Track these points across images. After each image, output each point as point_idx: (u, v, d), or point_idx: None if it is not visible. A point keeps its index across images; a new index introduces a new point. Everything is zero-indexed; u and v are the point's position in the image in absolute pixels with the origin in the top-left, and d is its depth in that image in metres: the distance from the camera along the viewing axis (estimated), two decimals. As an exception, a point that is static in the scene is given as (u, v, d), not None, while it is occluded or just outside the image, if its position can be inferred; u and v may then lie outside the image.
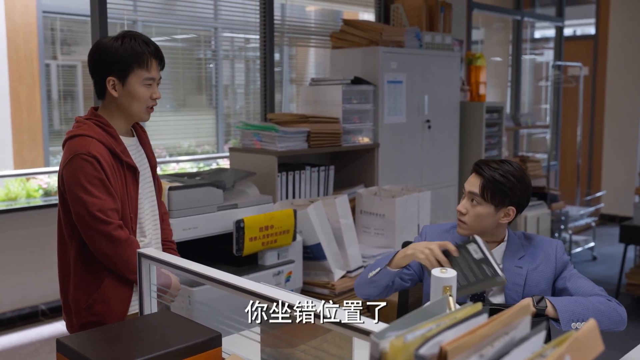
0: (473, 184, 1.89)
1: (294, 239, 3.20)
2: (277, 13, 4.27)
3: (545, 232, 5.43)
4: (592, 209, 6.35)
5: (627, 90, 7.78)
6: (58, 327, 3.91)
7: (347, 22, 4.27)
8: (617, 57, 8.38)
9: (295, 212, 3.17)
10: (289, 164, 3.84)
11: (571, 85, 6.66)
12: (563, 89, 7.18)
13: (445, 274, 1.34)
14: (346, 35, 4.22)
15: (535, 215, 5.30)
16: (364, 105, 4.04)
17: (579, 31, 8.79)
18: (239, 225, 2.94)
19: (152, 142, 2.19)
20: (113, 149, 1.92)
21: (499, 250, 1.94)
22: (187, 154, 6.11)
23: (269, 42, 4.13)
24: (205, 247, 3.06)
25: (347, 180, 4.22)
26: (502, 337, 0.93)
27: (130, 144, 2.04)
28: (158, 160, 2.27)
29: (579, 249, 6.15)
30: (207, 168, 5.54)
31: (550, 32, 7.70)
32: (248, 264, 3.12)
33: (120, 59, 1.92)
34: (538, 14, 7.05)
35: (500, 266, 1.72)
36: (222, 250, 3.06)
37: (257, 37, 4.27)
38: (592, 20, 8.76)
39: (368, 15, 5.19)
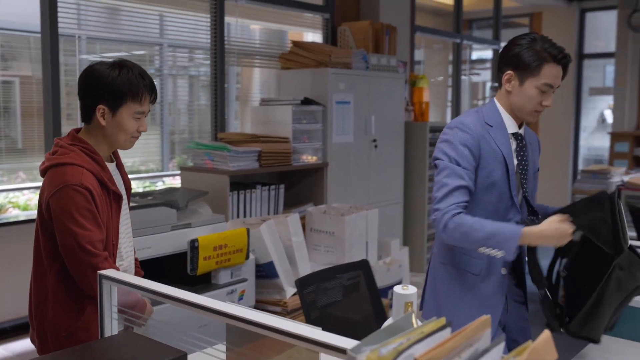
0: (560, 76, 2.07)
1: (247, 257, 3.24)
2: (225, 32, 4.32)
3: (485, 247, 5.62)
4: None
5: (558, 110, 8.18)
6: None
7: (296, 44, 4.36)
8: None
9: (248, 230, 3.21)
10: (240, 183, 3.88)
11: (508, 105, 6.95)
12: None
13: (407, 291, 1.42)
14: (295, 56, 4.31)
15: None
16: (314, 125, 4.13)
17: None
18: (193, 244, 2.96)
19: None
20: (102, 179, 1.92)
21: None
22: (131, 172, 6.04)
23: (220, 61, 4.17)
24: (158, 267, 3.05)
25: (296, 198, 4.29)
26: (467, 348, 1.01)
27: (112, 169, 2.03)
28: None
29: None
30: (153, 187, 5.50)
31: (485, 54, 8.03)
32: (201, 283, 3.13)
33: (115, 89, 1.90)
34: (476, 37, 7.34)
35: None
36: (175, 269, 3.06)
37: (202, 55, 4.31)
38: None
39: (312, 36, 5.31)
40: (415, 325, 1.22)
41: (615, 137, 7.53)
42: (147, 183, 5.98)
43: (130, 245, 2.15)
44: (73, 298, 1.96)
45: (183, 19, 4.17)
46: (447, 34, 6.71)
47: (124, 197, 2.06)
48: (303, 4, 4.82)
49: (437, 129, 5.18)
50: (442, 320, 1.13)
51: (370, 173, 4.62)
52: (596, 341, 1.53)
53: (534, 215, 2.13)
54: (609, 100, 9.43)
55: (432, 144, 5.12)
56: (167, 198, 3.16)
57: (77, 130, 2.00)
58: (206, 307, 1.64)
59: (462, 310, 2.10)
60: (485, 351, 1.03)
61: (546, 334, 1.03)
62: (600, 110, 9.95)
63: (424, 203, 5.07)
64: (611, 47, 8.48)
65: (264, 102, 4.19)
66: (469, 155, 2.04)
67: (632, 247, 1.84)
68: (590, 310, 1.52)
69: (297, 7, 4.79)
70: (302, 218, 3.93)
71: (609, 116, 10.66)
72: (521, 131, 2.17)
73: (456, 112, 6.92)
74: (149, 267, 2.98)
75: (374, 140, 4.60)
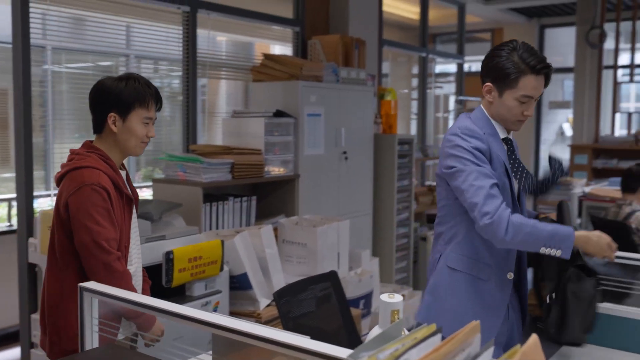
0: (541, 86, 2.09)
1: (222, 269, 3.24)
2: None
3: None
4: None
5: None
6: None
7: (267, 57, 4.40)
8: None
9: (222, 242, 3.21)
10: (212, 194, 3.88)
11: (472, 118, 7.10)
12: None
13: (393, 300, 1.45)
14: (267, 68, 4.34)
15: (444, 241, 5.58)
16: (285, 138, 4.16)
17: (474, 67, 9.39)
18: (169, 256, 2.95)
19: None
20: (116, 181, 2.08)
21: None
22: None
23: (192, 73, 4.18)
24: (133, 279, 3.03)
25: (268, 210, 4.31)
26: (460, 353, 1.06)
27: (123, 177, 2.19)
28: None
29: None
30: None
31: (447, 67, 8.19)
32: (176, 295, 3.12)
33: (124, 97, 2.09)
34: (442, 52, 7.49)
35: None
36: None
37: (172, 67, 4.31)
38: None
39: (279, 48, 5.35)
40: (404, 334, 1.27)
41: (575, 149, 7.75)
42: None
43: (139, 251, 2.28)
44: None
45: (153, 31, 4.16)
46: (414, 48, 6.83)
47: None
48: (274, 18, 4.86)
49: (405, 142, 5.26)
50: (433, 327, 1.17)
51: (341, 185, 4.67)
52: (579, 343, 1.60)
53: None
54: (567, 113, 9.71)
55: (401, 156, 5.21)
56: (141, 210, 3.14)
57: (91, 141, 2.17)
58: (195, 318, 1.65)
59: (464, 315, 2.10)
60: (477, 356, 1.07)
61: (534, 337, 1.08)
62: (560, 124, 10.24)
63: (393, 214, 5.14)
64: (569, 62, 8.76)
65: (236, 114, 4.20)
66: (483, 157, 2.06)
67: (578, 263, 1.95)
68: (560, 320, 1.59)
69: (268, 21, 4.83)
70: (274, 230, 3.95)
71: (568, 129, 10.97)
72: (510, 136, 2.23)
73: (422, 124, 7.04)
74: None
75: (344, 152, 4.65)
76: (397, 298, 1.46)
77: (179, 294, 3.15)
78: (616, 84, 7.86)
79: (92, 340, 1.91)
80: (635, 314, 2.15)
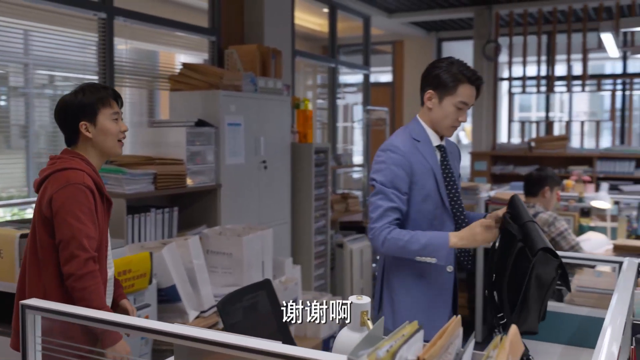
0: (474, 96, 2.33)
1: (150, 282, 3.17)
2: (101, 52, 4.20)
3: (367, 264, 5.86)
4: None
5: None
6: None
7: (186, 66, 4.34)
8: (412, 102, 9.39)
9: (151, 254, 3.14)
10: (133, 206, 3.78)
11: (380, 128, 7.33)
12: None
13: (362, 301, 1.50)
14: (185, 78, 4.29)
15: (359, 247, 5.72)
16: (207, 147, 4.12)
17: (374, 78, 9.69)
18: (97, 271, 2.85)
19: None
20: (98, 184, 2.20)
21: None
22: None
23: (109, 82, 4.05)
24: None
25: (190, 221, 4.24)
26: (451, 344, 1.12)
27: None
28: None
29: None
30: (22, 214, 5.16)
31: (347, 78, 8.39)
32: (103, 311, 3.01)
33: (86, 104, 2.19)
34: (349, 62, 7.67)
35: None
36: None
37: (71, 74, 4.16)
38: (389, 69, 9.74)
39: (185, 57, 5.26)
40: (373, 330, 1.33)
41: (475, 156, 8.17)
42: (16, 210, 5.59)
43: (111, 257, 2.31)
44: (69, 294, 2.10)
45: (65, 37, 4.00)
46: (324, 59, 6.96)
47: None
48: (190, 27, 4.81)
49: (321, 150, 5.35)
50: (415, 324, 1.23)
51: (261, 194, 4.68)
52: (535, 332, 1.73)
53: (463, 217, 2.36)
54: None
55: (317, 165, 5.29)
56: (64, 224, 3.01)
57: (69, 150, 2.25)
58: (156, 330, 1.63)
59: (417, 301, 2.34)
60: (466, 347, 1.14)
61: (514, 328, 1.16)
62: (456, 133, 10.76)
63: (311, 222, 5.21)
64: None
65: (156, 124, 4.12)
66: (403, 174, 2.26)
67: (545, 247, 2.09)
68: (521, 308, 1.71)
69: (185, 29, 4.77)
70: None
71: (463, 137, 11.55)
72: (443, 143, 2.42)
73: (333, 134, 7.18)
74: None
75: (264, 162, 4.67)
76: (365, 299, 1.51)
77: (107, 310, 3.04)
78: (511, 95, 8.37)
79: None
80: (569, 309, 2.36)
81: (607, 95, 8.27)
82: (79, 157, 2.19)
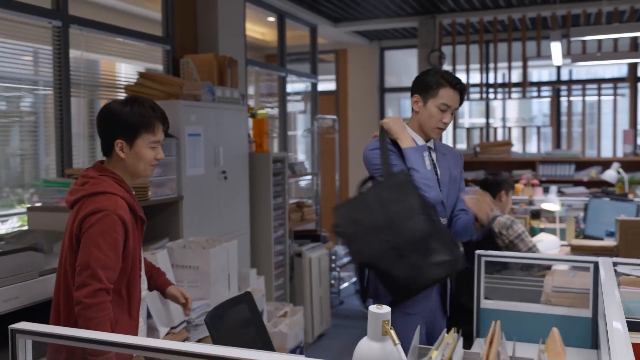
0: (456, 99, 2.52)
1: (121, 299, 3.05)
2: (48, 64, 4.05)
3: (325, 273, 5.86)
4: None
5: (367, 135, 8.79)
6: None
7: (143, 75, 4.24)
8: (356, 110, 9.49)
9: (121, 271, 3.03)
10: (94, 221, 3.64)
11: (331, 136, 7.37)
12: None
13: (382, 310, 1.49)
14: (143, 88, 4.18)
15: (317, 256, 5.71)
16: (168, 158, 4.03)
17: (320, 87, 9.74)
18: (68, 290, 2.73)
19: None
20: (132, 205, 2.12)
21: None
22: None
23: (65, 94, 3.90)
24: (26, 317, 2.75)
25: (151, 234, 4.12)
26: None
27: None
28: None
29: (345, 284, 6.72)
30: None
31: (297, 87, 8.40)
32: (73, 332, 2.88)
33: (129, 123, 2.10)
34: (298, 71, 7.67)
35: None
36: (46, 319, 2.78)
37: (34, 87, 4.00)
38: (333, 77, 9.81)
39: (126, 67, 5.13)
40: (396, 341, 1.34)
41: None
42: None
43: (144, 277, 2.33)
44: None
45: (12, 47, 3.82)
46: (275, 68, 6.94)
47: None
48: (145, 35, 4.70)
49: (278, 160, 5.33)
50: (452, 332, 1.24)
51: (221, 205, 4.61)
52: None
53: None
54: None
55: (275, 174, 5.25)
56: (29, 242, 2.88)
57: (102, 162, 2.17)
58: (145, 346, 1.57)
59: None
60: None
61: (555, 330, 1.19)
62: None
63: (270, 232, 5.17)
64: (404, 82, 9.44)
65: (114, 135, 3.99)
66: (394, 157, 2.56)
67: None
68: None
69: (139, 38, 4.66)
70: (162, 254, 3.80)
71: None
72: (430, 144, 2.62)
73: (284, 141, 7.15)
74: (15, 320, 2.68)
75: (224, 172, 4.60)
76: (386, 309, 1.50)
77: (77, 330, 2.91)
78: (454, 102, 8.54)
79: (27, 386, 1.73)
80: (546, 310, 2.41)
81: (536, 101, 8.59)
82: (111, 176, 2.12)
